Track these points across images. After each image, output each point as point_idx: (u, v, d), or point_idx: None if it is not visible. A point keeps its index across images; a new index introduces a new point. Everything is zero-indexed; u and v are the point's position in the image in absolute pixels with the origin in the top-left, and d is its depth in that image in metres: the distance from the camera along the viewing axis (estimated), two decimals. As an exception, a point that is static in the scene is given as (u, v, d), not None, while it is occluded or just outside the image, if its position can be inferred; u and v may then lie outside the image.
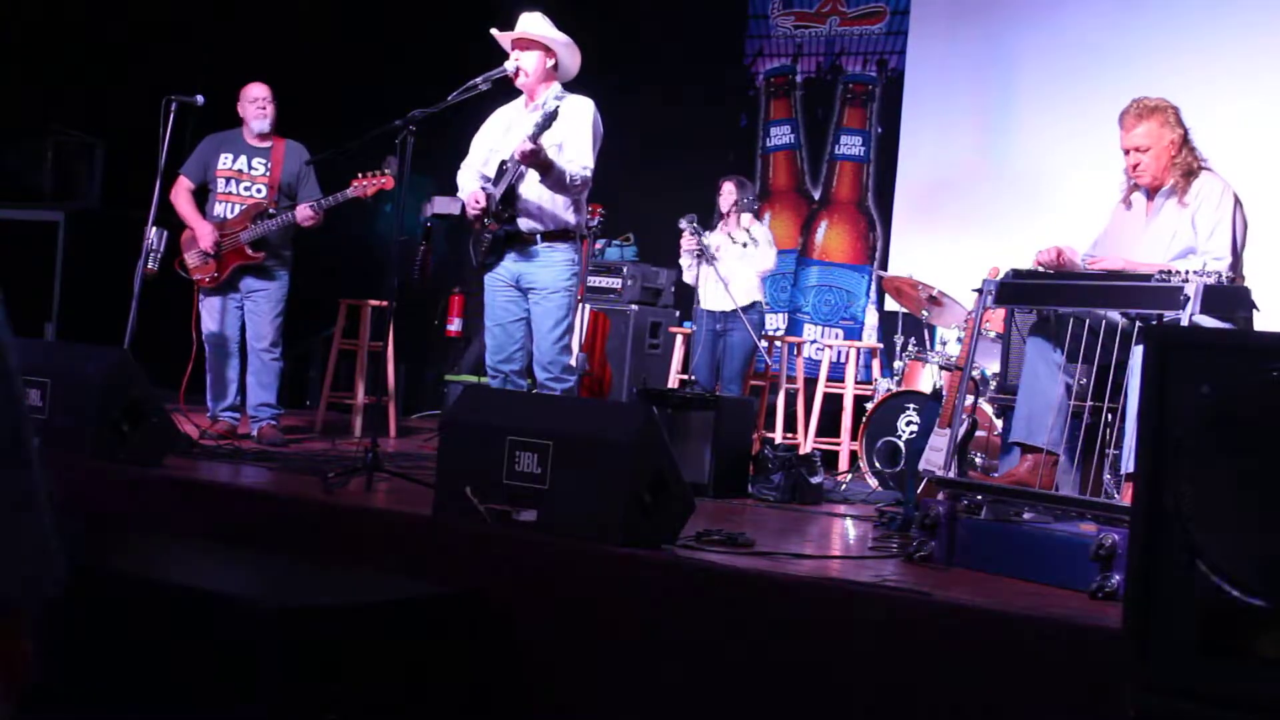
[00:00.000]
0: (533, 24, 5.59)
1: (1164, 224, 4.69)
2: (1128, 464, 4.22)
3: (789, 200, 9.20)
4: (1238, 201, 4.64)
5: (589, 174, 5.48)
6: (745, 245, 7.49)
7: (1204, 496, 2.50)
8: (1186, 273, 4.09)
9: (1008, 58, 8.36)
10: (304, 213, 6.26)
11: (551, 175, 5.41)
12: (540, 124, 5.35)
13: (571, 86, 5.64)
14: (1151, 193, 4.77)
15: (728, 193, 7.65)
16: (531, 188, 5.49)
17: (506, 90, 5.68)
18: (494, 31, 5.67)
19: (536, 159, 5.33)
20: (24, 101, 8.52)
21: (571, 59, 5.63)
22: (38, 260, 8.44)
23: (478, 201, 5.54)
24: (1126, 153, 4.72)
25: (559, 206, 5.51)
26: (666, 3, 9.32)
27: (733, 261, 7.46)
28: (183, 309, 6.58)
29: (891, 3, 8.83)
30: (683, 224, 7.29)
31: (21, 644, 1.20)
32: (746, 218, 7.60)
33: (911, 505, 4.70)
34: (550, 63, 5.58)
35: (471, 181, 5.63)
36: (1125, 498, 4.19)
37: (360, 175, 6.20)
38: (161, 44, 8.78)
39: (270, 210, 6.38)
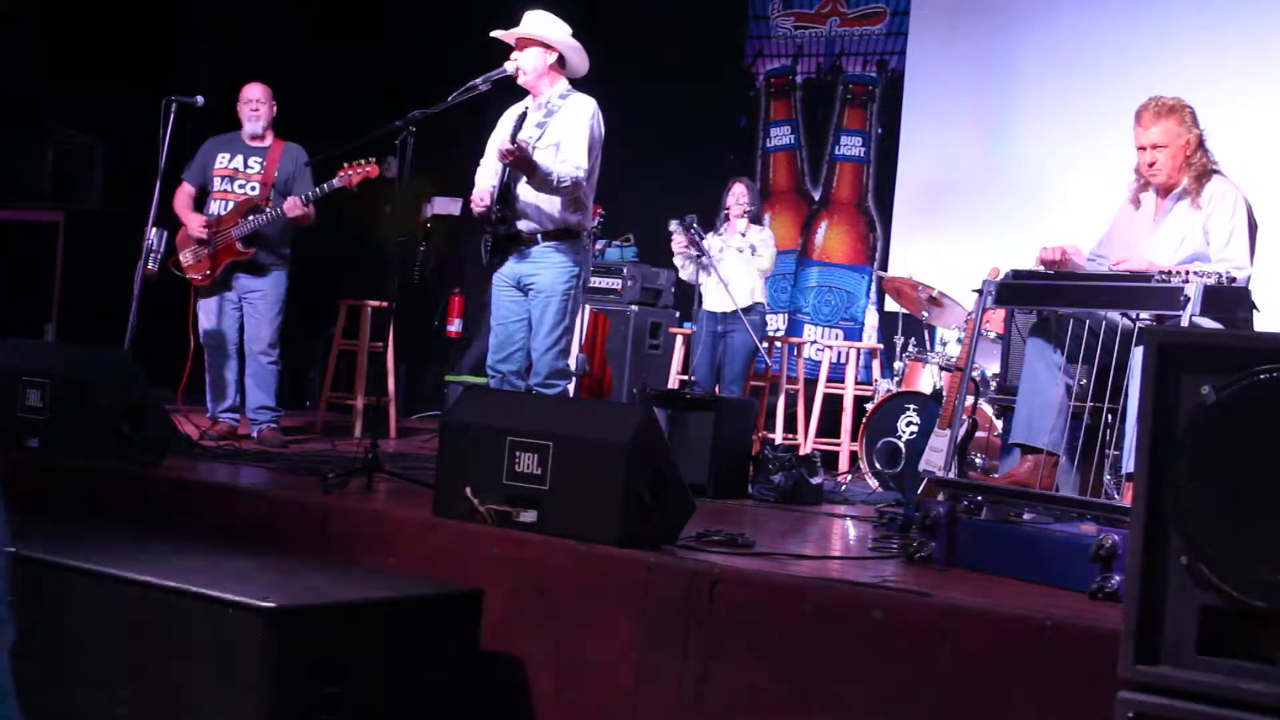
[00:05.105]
0: (530, 22, 5.59)
1: (1174, 226, 4.67)
2: (1128, 464, 4.22)
3: (789, 201, 9.20)
4: (1249, 206, 4.64)
5: (580, 174, 5.45)
6: (742, 251, 7.49)
7: (1204, 497, 2.50)
8: (1187, 273, 4.08)
9: (1008, 58, 8.36)
10: (291, 204, 6.26)
11: (536, 176, 5.40)
12: (515, 126, 5.37)
13: (573, 86, 5.64)
14: (1162, 193, 4.76)
15: (738, 194, 7.64)
16: (527, 188, 5.49)
17: (517, 90, 5.68)
18: (495, 33, 5.67)
19: (515, 160, 5.32)
20: (24, 101, 8.52)
21: (578, 58, 5.63)
22: (38, 260, 8.44)
23: (481, 200, 5.54)
24: (1142, 150, 4.69)
25: (556, 206, 5.50)
26: (666, 3, 9.32)
27: (733, 264, 7.46)
28: (182, 310, 6.58)
29: (891, 3, 8.83)
30: (672, 226, 7.29)
31: None
32: (743, 223, 7.59)
33: (912, 506, 4.70)
34: (551, 58, 5.57)
35: (485, 181, 5.63)
36: (1125, 498, 4.19)
37: (346, 164, 6.20)
38: (162, 44, 8.78)
39: (261, 205, 6.39)
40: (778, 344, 8.11)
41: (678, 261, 7.53)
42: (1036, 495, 4.22)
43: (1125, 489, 4.26)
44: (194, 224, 6.40)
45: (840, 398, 7.90)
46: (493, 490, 4.08)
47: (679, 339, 8.07)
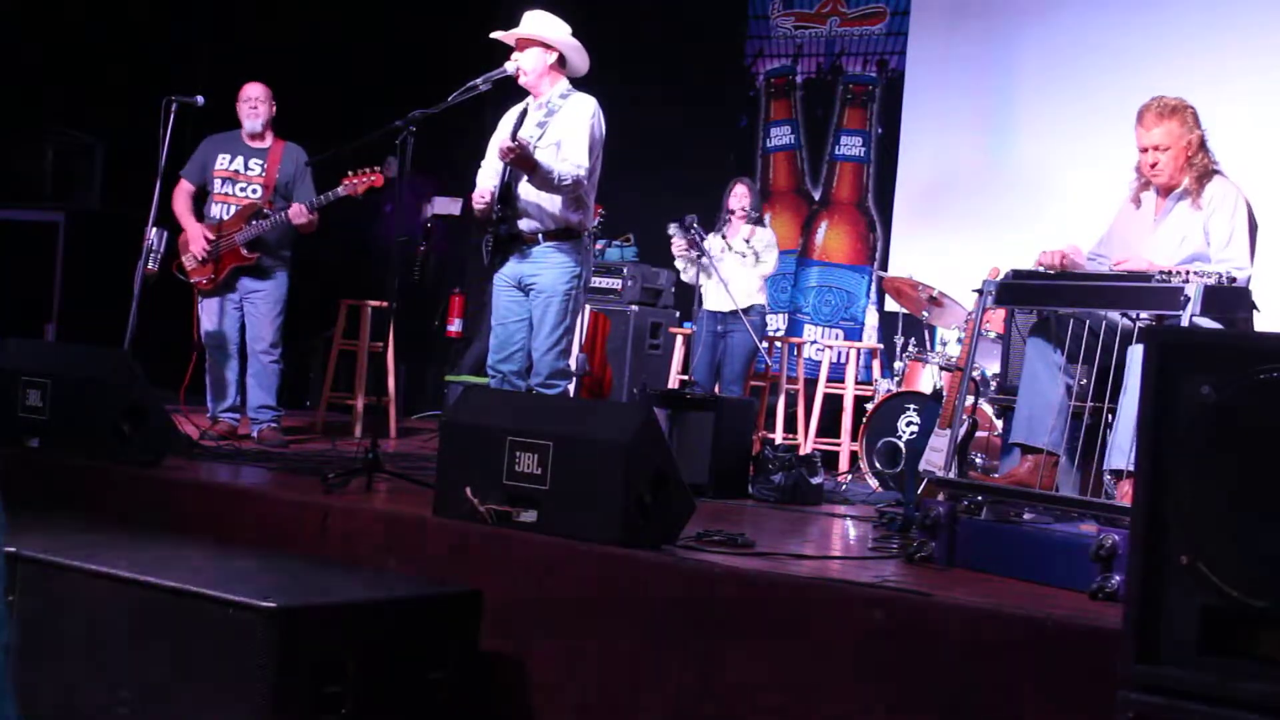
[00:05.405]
0: (530, 23, 5.59)
1: (1174, 226, 4.67)
2: (1114, 460, 4.22)
3: (789, 201, 9.19)
4: (1249, 206, 4.64)
5: (581, 173, 5.45)
6: (745, 256, 7.48)
7: (1204, 496, 2.50)
8: (1187, 273, 4.08)
9: (1008, 58, 8.36)
10: (296, 211, 6.26)
11: (537, 174, 5.39)
12: (516, 125, 5.39)
13: (573, 86, 5.64)
14: (1163, 193, 4.75)
15: (739, 194, 7.63)
16: (528, 187, 5.49)
17: (520, 90, 5.68)
18: (495, 33, 5.67)
19: (515, 158, 5.32)
20: (24, 101, 8.52)
21: (578, 57, 5.63)
22: (38, 260, 8.44)
23: (481, 198, 5.54)
24: (1144, 151, 4.69)
25: (557, 205, 5.50)
26: (666, 3, 9.32)
27: (734, 264, 7.46)
28: (182, 310, 6.58)
29: (891, 3, 8.83)
30: (671, 229, 7.29)
31: None
32: (747, 229, 7.58)
33: (912, 506, 4.70)
34: (551, 58, 5.57)
35: (486, 181, 5.62)
36: (1120, 494, 4.19)
37: (351, 173, 6.20)
38: (162, 44, 8.78)
39: (265, 210, 6.38)
40: (778, 344, 8.11)
41: (679, 264, 7.53)
42: (1036, 495, 4.22)
43: (1119, 485, 4.26)
44: (195, 239, 6.39)
45: (840, 398, 7.90)
46: (493, 490, 4.08)
47: (679, 339, 8.07)
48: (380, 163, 6.27)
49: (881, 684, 3.31)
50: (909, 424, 6.77)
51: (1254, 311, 4.46)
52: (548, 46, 5.57)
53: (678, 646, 3.62)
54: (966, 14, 8.56)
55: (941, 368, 6.97)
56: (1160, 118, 4.63)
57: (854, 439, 7.40)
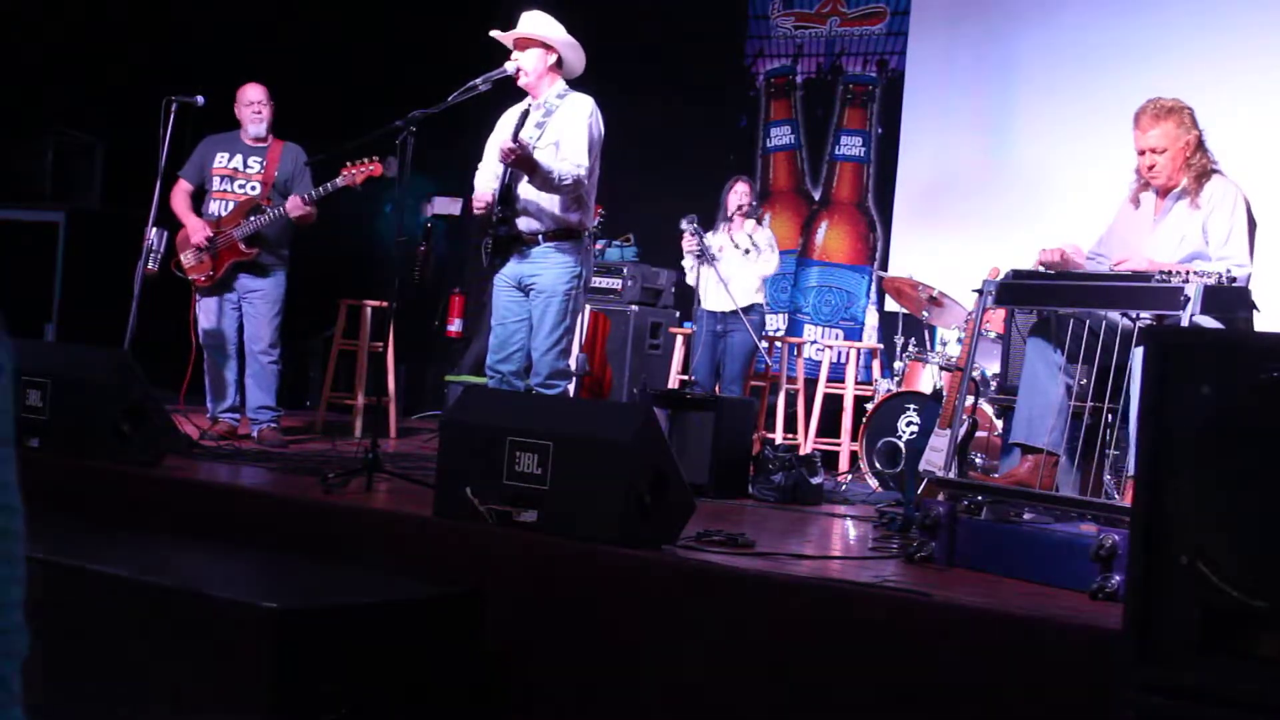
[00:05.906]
0: (531, 23, 5.59)
1: (1173, 226, 4.67)
2: (1132, 465, 4.22)
3: (789, 201, 9.19)
4: (1248, 204, 4.64)
5: (581, 172, 5.44)
6: (747, 251, 7.48)
7: (1204, 497, 2.50)
8: (1187, 273, 4.08)
9: (1008, 58, 8.36)
10: (294, 203, 6.26)
11: (538, 175, 5.39)
12: (516, 126, 5.40)
13: (571, 86, 5.64)
14: (1162, 193, 4.75)
15: (740, 193, 7.63)
16: (528, 187, 5.49)
17: (517, 91, 5.68)
18: (494, 33, 5.68)
19: (516, 159, 5.32)
20: (24, 101, 8.52)
21: (575, 57, 5.63)
22: (38, 260, 8.44)
23: (482, 199, 5.54)
24: (1141, 153, 4.69)
25: (557, 205, 5.50)
26: (666, 3, 9.32)
27: (734, 263, 7.46)
28: (182, 310, 6.58)
29: (891, 3, 8.83)
30: (684, 224, 7.28)
31: None
32: (749, 224, 7.59)
33: (912, 506, 4.70)
34: (551, 59, 5.57)
35: (485, 184, 5.62)
36: (1128, 499, 4.19)
37: (349, 164, 6.20)
38: (162, 44, 8.78)
39: (262, 205, 6.38)
40: (778, 344, 8.11)
41: (687, 262, 7.50)
42: (1036, 495, 4.22)
43: (1127, 488, 4.26)
44: (196, 231, 6.40)
45: (840, 398, 7.90)
46: (493, 490, 4.08)
47: (679, 339, 8.07)
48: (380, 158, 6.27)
49: (881, 684, 3.31)
50: (909, 424, 6.77)
51: (1254, 311, 4.46)
52: (548, 47, 5.56)
53: (677, 646, 3.62)
54: (966, 14, 8.55)
55: (941, 368, 6.97)
56: (1156, 119, 4.63)
57: (854, 439, 7.40)
